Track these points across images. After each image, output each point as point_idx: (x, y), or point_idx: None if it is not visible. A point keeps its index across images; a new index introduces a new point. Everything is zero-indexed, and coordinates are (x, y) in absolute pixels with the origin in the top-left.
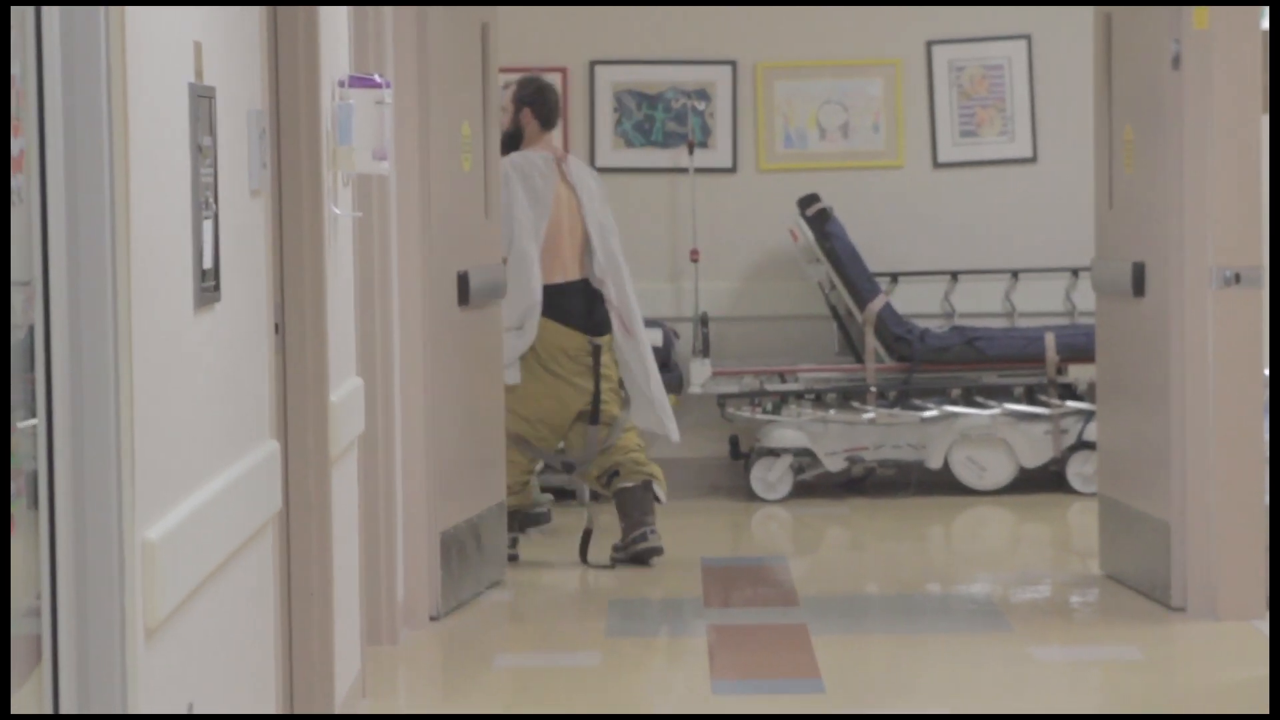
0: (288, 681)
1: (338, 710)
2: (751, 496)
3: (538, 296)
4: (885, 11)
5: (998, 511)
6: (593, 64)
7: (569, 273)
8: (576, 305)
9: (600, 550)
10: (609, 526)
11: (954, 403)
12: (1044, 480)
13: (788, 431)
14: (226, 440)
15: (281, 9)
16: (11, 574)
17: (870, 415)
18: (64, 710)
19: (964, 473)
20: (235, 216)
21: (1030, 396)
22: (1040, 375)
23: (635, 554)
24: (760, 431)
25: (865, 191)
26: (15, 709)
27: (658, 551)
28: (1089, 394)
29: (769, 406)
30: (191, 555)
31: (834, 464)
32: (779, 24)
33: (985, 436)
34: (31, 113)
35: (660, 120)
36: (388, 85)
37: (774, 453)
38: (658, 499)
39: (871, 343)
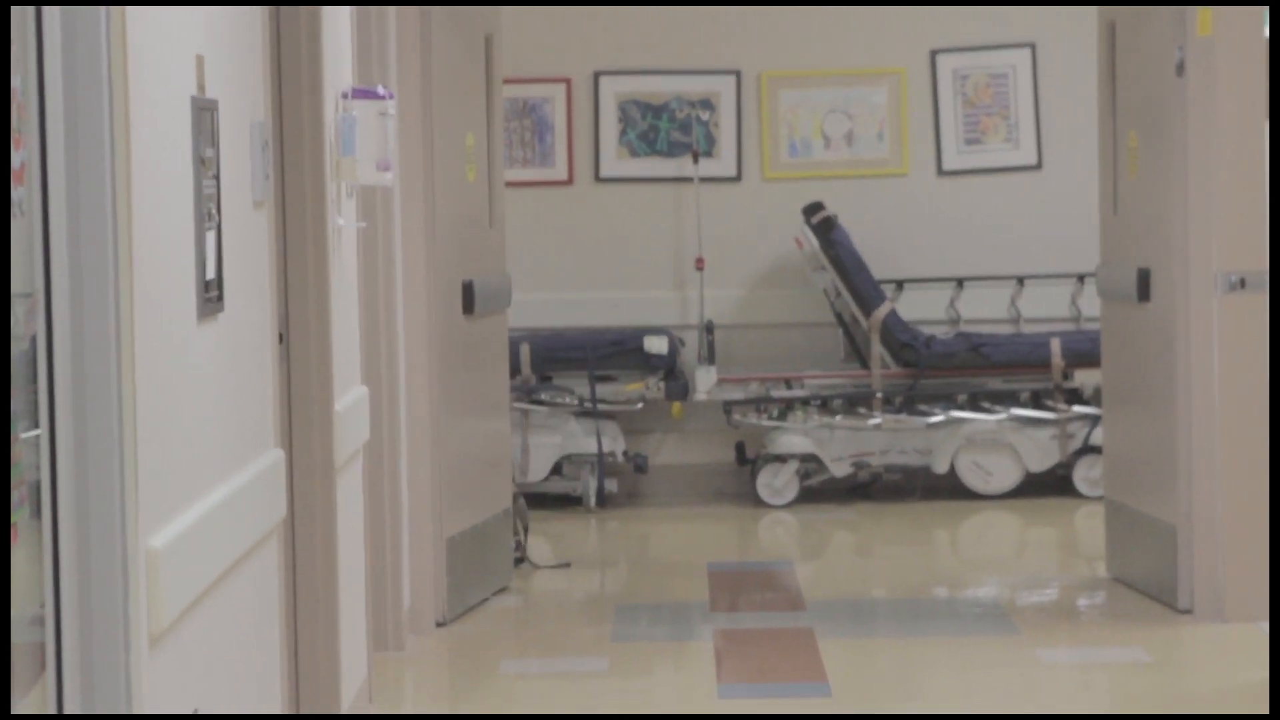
0: (293, 688)
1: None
2: (758, 502)
3: None
4: (890, 20)
5: (1004, 516)
6: (597, 74)
7: None
8: None
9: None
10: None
11: (960, 408)
12: (1050, 484)
13: (794, 437)
14: (230, 449)
15: (285, 21)
16: (14, 583)
17: (876, 421)
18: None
19: (970, 477)
20: (238, 227)
21: (1036, 401)
22: (1046, 380)
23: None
24: (766, 437)
25: (870, 199)
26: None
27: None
28: (1095, 399)
29: (775, 413)
30: (195, 563)
31: (840, 469)
32: (783, 33)
33: (991, 441)
34: (33, 125)
35: (665, 130)
36: (391, 97)
37: (780, 458)
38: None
39: (877, 349)
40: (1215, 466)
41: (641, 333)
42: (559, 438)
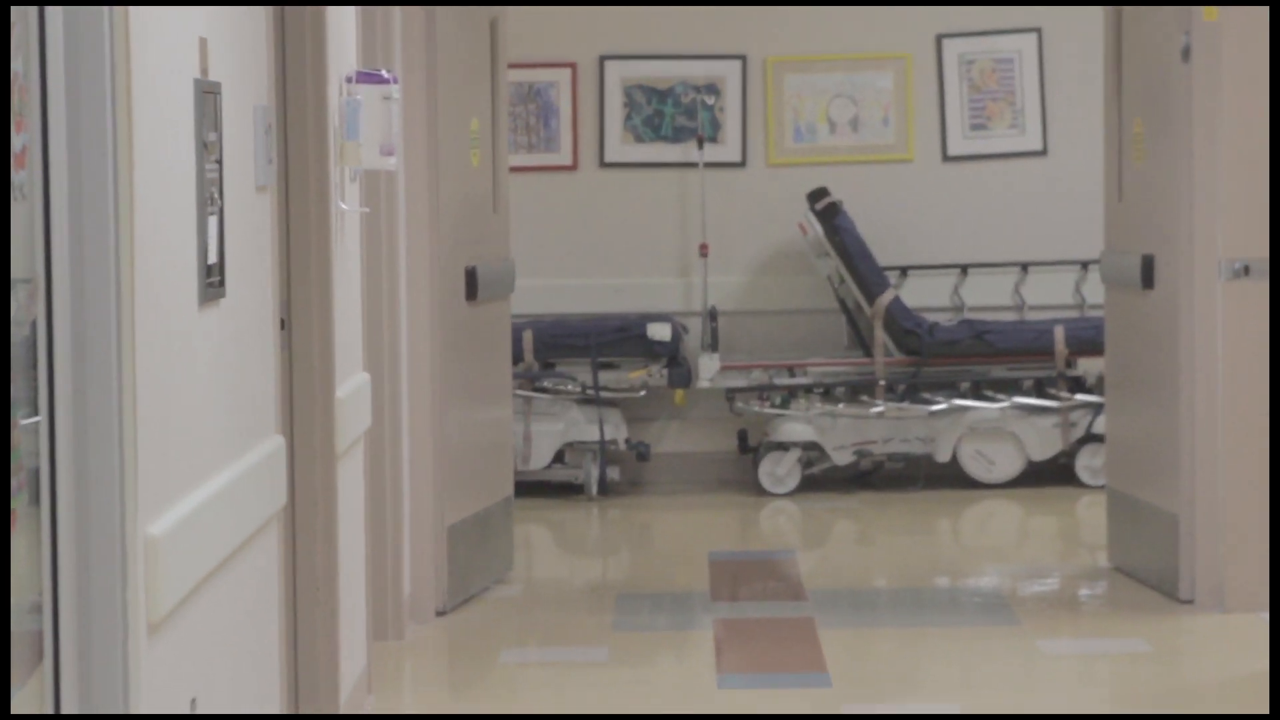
0: (293, 678)
1: (343, 707)
2: (760, 491)
3: None
4: (895, 5)
5: (1006, 505)
6: (602, 59)
7: None
8: None
9: None
10: None
11: (963, 396)
12: (1053, 473)
13: (796, 425)
14: (231, 436)
15: (289, 4)
16: (12, 570)
17: (879, 409)
18: (65, 708)
19: (972, 466)
20: (241, 212)
21: (1039, 389)
22: (1049, 368)
23: None
24: (769, 425)
25: (874, 185)
26: (17, 708)
27: None
28: (1098, 387)
29: (777, 400)
30: (195, 550)
31: (842, 458)
32: (789, 18)
33: (994, 430)
34: (34, 108)
35: (670, 115)
36: (395, 81)
37: (782, 446)
38: None
39: (880, 336)
40: (1217, 456)
41: (645, 319)
42: (561, 425)
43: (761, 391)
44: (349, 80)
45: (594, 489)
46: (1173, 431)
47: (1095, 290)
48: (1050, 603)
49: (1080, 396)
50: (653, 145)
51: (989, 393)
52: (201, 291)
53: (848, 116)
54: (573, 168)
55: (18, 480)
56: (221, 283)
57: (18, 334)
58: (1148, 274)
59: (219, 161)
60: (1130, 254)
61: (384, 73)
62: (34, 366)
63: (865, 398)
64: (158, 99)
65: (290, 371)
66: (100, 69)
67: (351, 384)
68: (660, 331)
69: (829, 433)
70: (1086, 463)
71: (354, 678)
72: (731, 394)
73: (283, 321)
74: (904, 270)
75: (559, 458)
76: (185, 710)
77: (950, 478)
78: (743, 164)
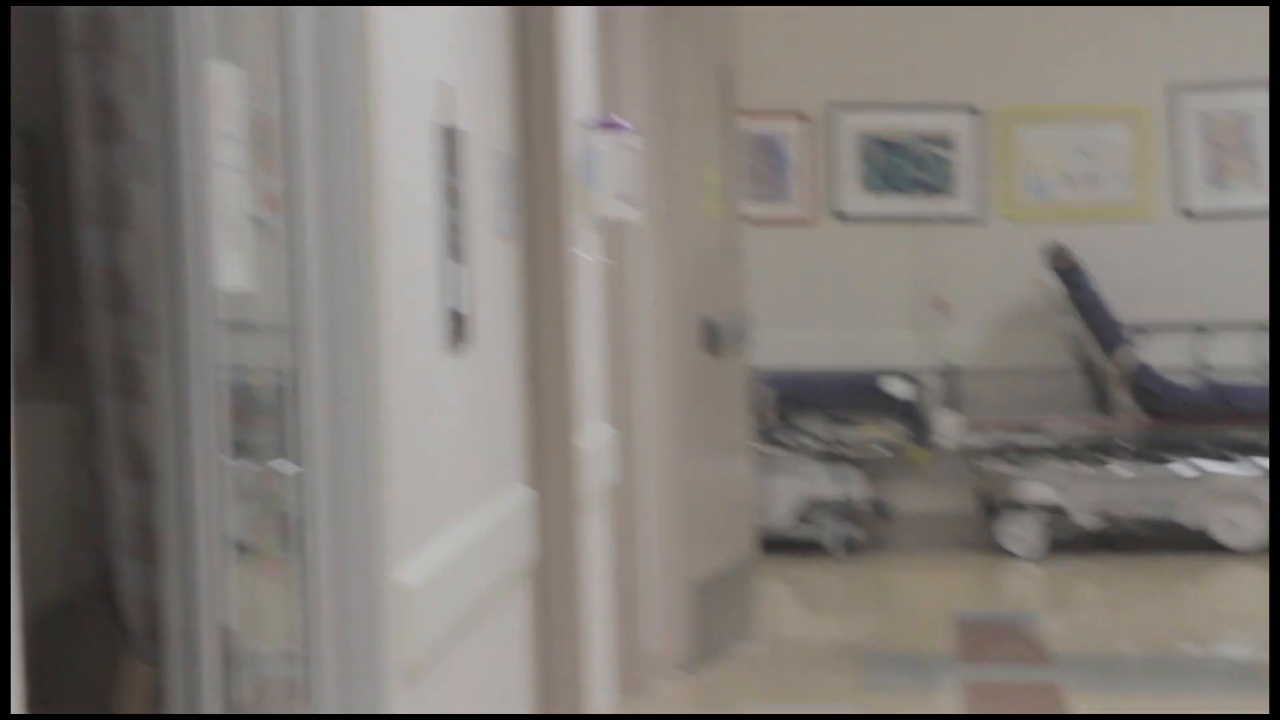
0: None
1: None
2: (1001, 551)
3: None
4: (1125, 54)
5: (1255, 571)
6: (830, 106)
7: None
8: None
9: None
10: None
11: (1205, 457)
12: None
13: (1037, 486)
14: (480, 486)
15: (527, 52)
16: (265, 615)
17: (1122, 471)
18: None
19: (1220, 531)
20: (485, 260)
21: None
22: None
23: None
24: (1009, 486)
25: (1113, 241)
26: None
27: None
28: None
29: (1017, 460)
30: (446, 600)
31: (1086, 520)
32: (1016, 67)
33: (1240, 494)
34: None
35: (903, 167)
36: (633, 129)
37: (1023, 507)
38: None
39: (1121, 396)
40: None
41: (878, 374)
42: (799, 481)
43: (1001, 451)
44: (587, 128)
45: (840, 550)
46: None
47: None
48: None
49: None
50: (887, 198)
51: (1232, 455)
52: (448, 339)
53: (1083, 170)
54: (807, 220)
55: (265, 525)
56: (468, 331)
57: (270, 381)
58: None
59: (463, 210)
60: None
61: (621, 120)
62: (282, 411)
63: (1105, 458)
64: (403, 146)
65: (536, 422)
66: (348, 114)
67: (596, 435)
68: (896, 387)
69: (1070, 494)
70: None
71: None
72: (970, 453)
73: (529, 372)
74: (1142, 329)
75: (801, 515)
76: None
77: (1195, 542)
78: (978, 218)
